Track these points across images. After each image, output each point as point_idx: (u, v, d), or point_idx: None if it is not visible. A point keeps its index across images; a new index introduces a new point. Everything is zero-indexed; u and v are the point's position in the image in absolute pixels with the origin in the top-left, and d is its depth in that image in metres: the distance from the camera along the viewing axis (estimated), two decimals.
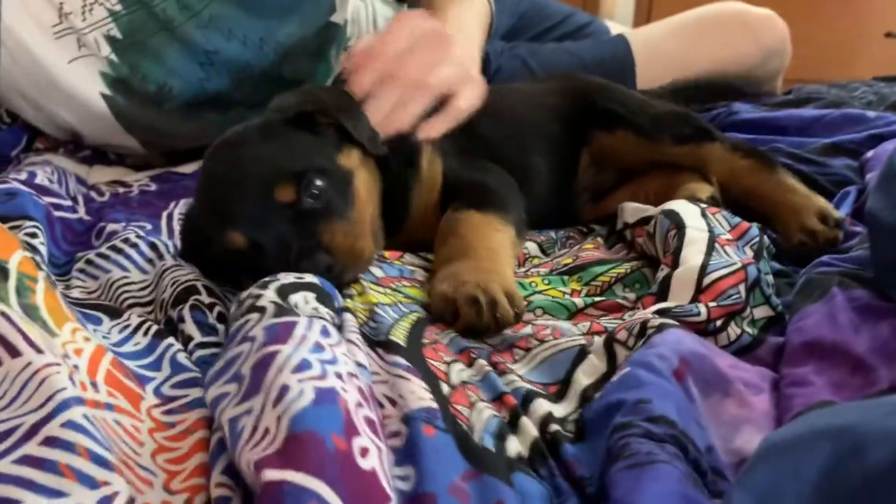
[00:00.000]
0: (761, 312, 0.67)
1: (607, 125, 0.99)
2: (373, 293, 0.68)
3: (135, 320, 0.65)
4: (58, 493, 0.39)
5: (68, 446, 0.41)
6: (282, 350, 0.47)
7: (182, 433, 0.51)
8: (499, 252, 0.73)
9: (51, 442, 0.41)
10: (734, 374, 0.57)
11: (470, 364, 0.60)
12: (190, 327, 0.63)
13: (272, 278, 0.59)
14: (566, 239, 0.92)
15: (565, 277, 0.77)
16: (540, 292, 0.74)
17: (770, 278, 0.71)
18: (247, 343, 0.50)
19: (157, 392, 0.56)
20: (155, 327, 0.64)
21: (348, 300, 0.65)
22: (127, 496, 0.40)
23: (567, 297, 0.73)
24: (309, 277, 0.61)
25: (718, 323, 0.63)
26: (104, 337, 0.62)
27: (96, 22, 1.01)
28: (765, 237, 0.77)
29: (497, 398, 0.55)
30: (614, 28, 1.59)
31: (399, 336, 0.60)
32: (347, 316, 0.61)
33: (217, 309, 0.66)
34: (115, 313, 0.67)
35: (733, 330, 0.63)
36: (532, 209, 0.87)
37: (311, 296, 0.58)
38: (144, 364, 0.59)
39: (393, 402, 0.51)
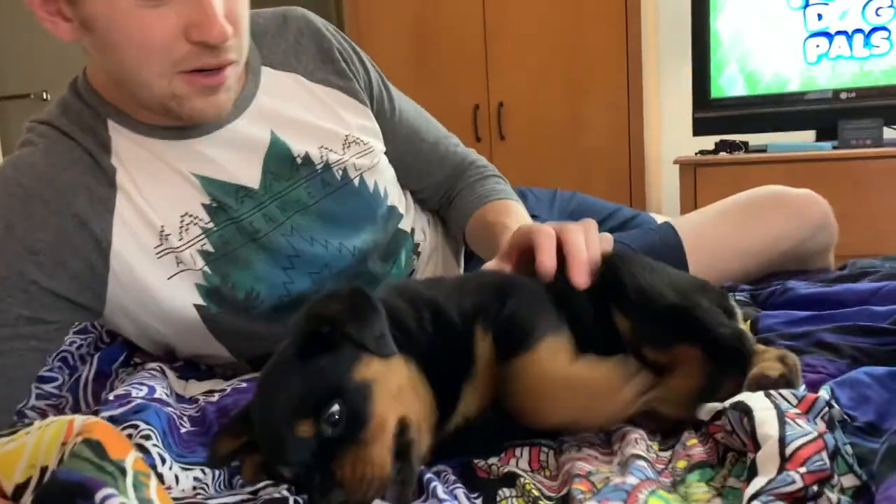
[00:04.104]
0: (848, 481, 0.66)
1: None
2: None
3: None
4: None
5: None
6: None
7: None
8: (572, 384, 0.79)
9: None
10: None
11: None
12: None
13: None
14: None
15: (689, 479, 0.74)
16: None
17: (849, 447, 0.70)
18: None
19: None
20: None
21: None
22: None
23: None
24: None
25: (815, 489, 0.63)
26: None
27: (192, 239, 1.10)
28: (836, 407, 0.77)
29: None
30: (660, 219, 1.66)
31: None
32: None
33: None
34: None
35: (830, 497, 0.62)
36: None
37: None
38: None
39: None
